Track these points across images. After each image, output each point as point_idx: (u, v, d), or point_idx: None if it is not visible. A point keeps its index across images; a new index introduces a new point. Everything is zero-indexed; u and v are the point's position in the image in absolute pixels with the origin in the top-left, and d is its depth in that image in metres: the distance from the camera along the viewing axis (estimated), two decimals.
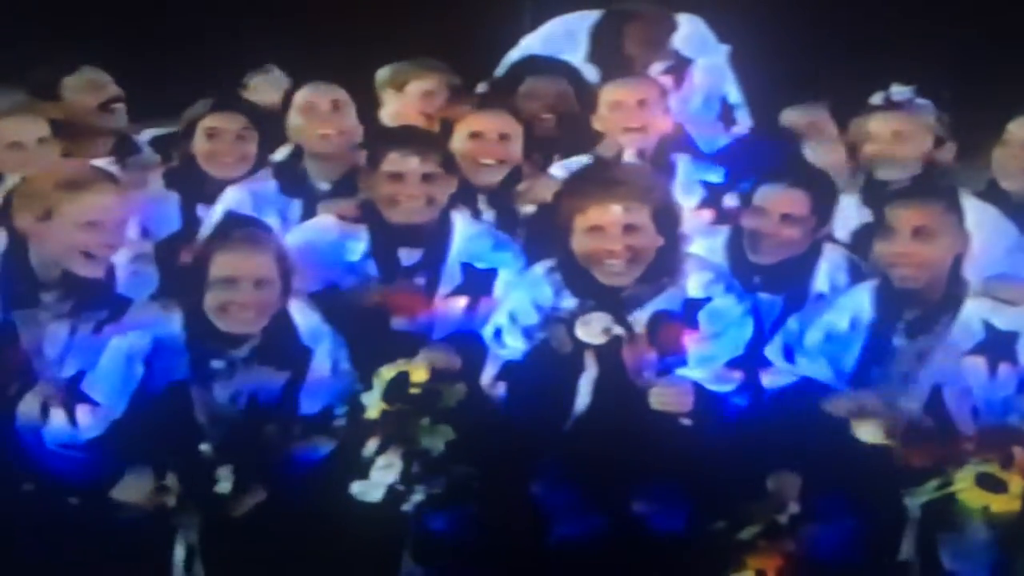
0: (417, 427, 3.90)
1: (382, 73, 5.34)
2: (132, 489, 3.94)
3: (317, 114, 4.87)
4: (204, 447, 3.90)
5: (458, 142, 4.77)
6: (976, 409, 4.01)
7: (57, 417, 4.01)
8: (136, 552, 3.90)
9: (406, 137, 4.59)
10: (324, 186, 4.80)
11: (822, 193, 4.42)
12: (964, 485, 3.74)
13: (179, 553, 3.92)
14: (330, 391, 4.11)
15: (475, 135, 4.78)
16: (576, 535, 4.00)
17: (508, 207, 4.76)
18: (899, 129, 4.75)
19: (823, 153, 4.91)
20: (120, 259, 4.33)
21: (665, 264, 4.12)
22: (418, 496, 3.88)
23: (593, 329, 4.02)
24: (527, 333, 4.15)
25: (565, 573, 4.00)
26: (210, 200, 4.77)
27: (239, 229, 4.21)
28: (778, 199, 4.37)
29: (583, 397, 4.07)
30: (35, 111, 4.94)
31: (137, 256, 4.40)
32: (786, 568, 3.85)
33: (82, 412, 4.01)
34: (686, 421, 4.01)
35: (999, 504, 3.72)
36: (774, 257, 4.37)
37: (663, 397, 4.02)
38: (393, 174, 4.39)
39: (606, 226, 4.07)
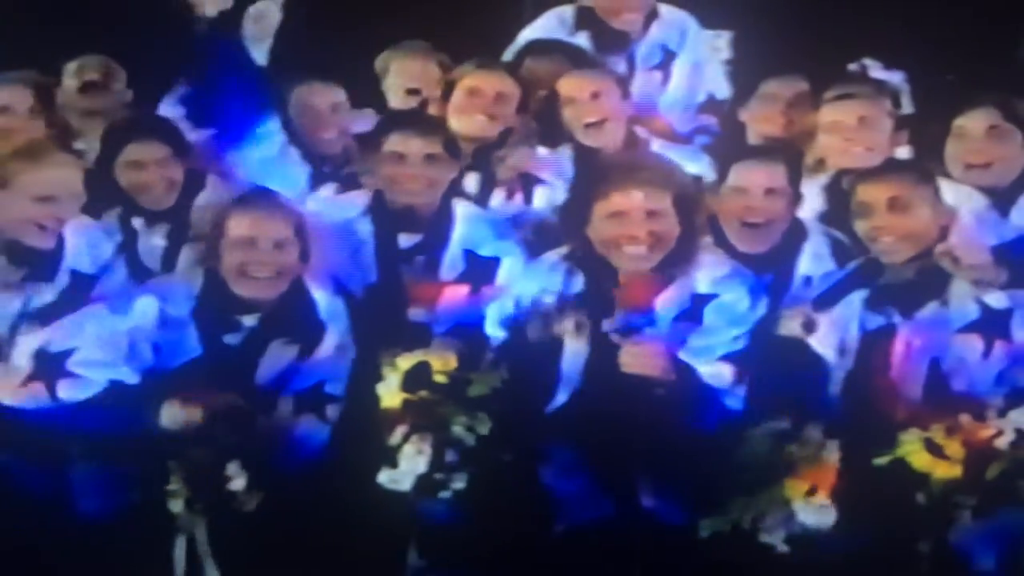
0: (448, 415, 3.88)
1: (378, 61, 5.38)
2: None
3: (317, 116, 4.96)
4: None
5: (456, 99, 4.85)
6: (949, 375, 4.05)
7: (34, 391, 3.98)
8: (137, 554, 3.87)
9: (409, 119, 4.67)
10: None
11: (794, 164, 4.43)
12: (912, 448, 3.86)
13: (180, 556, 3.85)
14: (330, 370, 4.10)
15: (473, 91, 4.84)
16: (576, 523, 4.02)
17: (488, 171, 4.83)
18: (863, 115, 4.75)
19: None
20: (70, 229, 4.23)
21: (682, 253, 4.10)
22: (458, 484, 3.87)
23: (570, 327, 4.03)
24: (522, 319, 4.14)
25: (569, 560, 3.99)
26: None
27: (255, 193, 4.26)
28: (757, 175, 4.34)
29: (570, 382, 4.05)
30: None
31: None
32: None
33: (64, 386, 3.98)
34: (659, 391, 3.94)
35: (942, 470, 3.83)
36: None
37: (631, 358, 3.93)
38: (395, 154, 4.44)
39: (629, 211, 4.05)
